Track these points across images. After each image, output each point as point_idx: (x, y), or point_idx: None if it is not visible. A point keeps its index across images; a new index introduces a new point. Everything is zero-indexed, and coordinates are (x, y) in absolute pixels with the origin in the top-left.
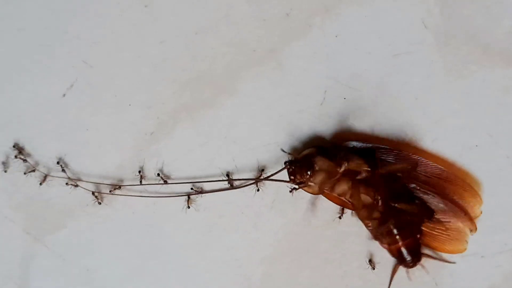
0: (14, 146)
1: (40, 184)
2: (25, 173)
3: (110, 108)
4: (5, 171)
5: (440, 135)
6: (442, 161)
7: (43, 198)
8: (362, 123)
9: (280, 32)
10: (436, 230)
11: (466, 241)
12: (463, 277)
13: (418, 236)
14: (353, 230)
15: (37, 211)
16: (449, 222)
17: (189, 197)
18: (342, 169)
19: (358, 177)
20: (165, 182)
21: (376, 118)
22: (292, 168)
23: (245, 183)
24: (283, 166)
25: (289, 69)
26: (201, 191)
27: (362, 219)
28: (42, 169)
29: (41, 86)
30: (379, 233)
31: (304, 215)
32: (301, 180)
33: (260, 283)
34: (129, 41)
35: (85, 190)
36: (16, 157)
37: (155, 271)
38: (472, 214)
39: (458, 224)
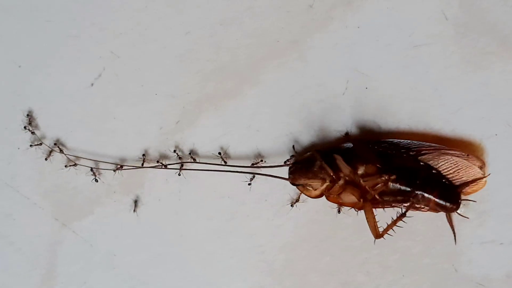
0: (30, 130)
1: (66, 166)
2: (66, 166)
3: (136, 98)
4: (46, 159)
5: (459, 125)
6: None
7: (71, 185)
8: (382, 114)
9: (302, 23)
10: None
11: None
12: (481, 264)
13: (443, 180)
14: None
15: (65, 198)
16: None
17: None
18: (341, 181)
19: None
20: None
21: (396, 109)
22: (293, 168)
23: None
24: (285, 162)
25: (311, 60)
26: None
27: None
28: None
29: (69, 76)
30: (412, 207)
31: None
32: (299, 182)
33: (282, 269)
34: (154, 32)
35: (112, 175)
36: (34, 144)
37: (178, 257)
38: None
39: (469, 168)
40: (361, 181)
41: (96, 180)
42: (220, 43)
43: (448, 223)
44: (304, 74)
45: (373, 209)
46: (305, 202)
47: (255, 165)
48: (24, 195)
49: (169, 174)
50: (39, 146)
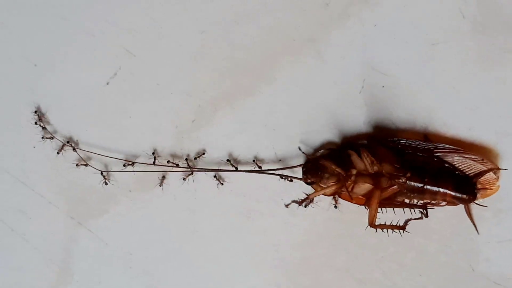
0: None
1: (77, 165)
2: (77, 165)
3: (152, 96)
4: (58, 153)
5: (476, 123)
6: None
7: (86, 183)
8: (398, 112)
9: (319, 21)
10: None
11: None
12: (498, 263)
13: (456, 172)
14: (390, 216)
15: (80, 196)
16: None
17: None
18: (353, 176)
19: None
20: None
21: (412, 107)
22: (305, 167)
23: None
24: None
25: (328, 58)
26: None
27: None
28: (82, 155)
29: (85, 75)
30: (430, 204)
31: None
32: (312, 180)
33: (297, 267)
34: (170, 30)
35: (126, 174)
36: (46, 137)
37: (194, 255)
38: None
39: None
40: (383, 171)
41: (106, 183)
42: (236, 41)
43: (467, 216)
44: (321, 72)
45: (383, 208)
46: (320, 200)
47: (264, 171)
48: (38, 193)
49: (185, 172)
50: (53, 143)
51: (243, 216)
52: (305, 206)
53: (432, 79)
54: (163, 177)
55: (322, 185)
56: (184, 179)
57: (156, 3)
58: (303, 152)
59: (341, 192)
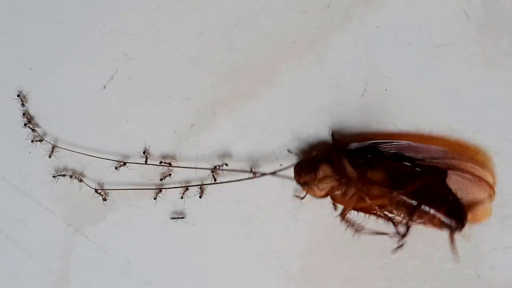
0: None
1: (71, 177)
2: (71, 177)
3: (149, 100)
4: (49, 157)
5: (481, 127)
6: (444, 142)
7: (83, 190)
8: (401, 116)
9: (319, 23)
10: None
11: (489, 205)
12: (504, 269)
13: (450, 198)
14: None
15: (77, 203)
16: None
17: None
18: (345, 181)
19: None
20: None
21: (416, 111)
22: (298, 168)
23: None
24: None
25: (329, 61)
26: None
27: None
28: (81, 161)
29: (82, 79)
30: (416, 220)
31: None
32: (305, 181)
33: (299, 275)
34: (168, 33)
35: (126, 181)
36: (35, 140)
37: (194, 262)
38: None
39: (478, 193)
40: (367, 197)
41: (104, 199)
42: (235, 44)
43: (449, 241)
44: (322, 75)
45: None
46: (323, 206)
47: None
48: (35, 200)
49: (186, 177)
50: (54, 152)
51: (244, 223)
52: (302, 199)
53: (436, 82)
54: (160, 190)
55: (314, 187)
56: (181, 197)
57: (154, 6)
58: (295, 154)
59: (333, 195)
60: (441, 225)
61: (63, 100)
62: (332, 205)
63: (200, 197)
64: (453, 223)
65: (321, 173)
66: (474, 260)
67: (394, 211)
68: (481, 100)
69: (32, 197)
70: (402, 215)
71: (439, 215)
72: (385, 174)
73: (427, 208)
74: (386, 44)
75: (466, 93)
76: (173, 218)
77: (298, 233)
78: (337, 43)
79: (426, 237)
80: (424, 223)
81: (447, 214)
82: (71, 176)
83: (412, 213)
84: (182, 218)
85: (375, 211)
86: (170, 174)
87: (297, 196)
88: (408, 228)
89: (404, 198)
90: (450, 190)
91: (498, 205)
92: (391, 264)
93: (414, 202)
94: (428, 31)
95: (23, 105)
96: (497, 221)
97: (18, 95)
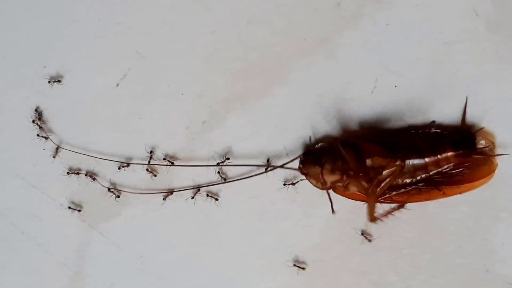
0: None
1: (91, 178)
2: (86, 175)
3: (162, 98)
4: (53, 157)
5: (491, 123)
6: None
7: (98, 186)
8: (412, 113)
9: (331, 21)
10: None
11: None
12: None
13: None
14: (404, 218)
15: (92, 199)
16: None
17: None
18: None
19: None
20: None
21: (426, 108)
22: (303, 158)
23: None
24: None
25: (340, 58)
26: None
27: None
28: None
29: (95, 77)
30: (434, 172)
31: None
32: (308, 171)
33: (311, 270)
34: (181, 31)
35: (140, 177)
36: (41, 136)
37: (207, 258)
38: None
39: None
40: (378, 176)
41: (118, 196)
42: (248, 42)
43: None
44: (333, 73)
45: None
46: (335, 201)
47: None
48: (50, 196)
49: (196, 174)
50: (58, 152)
51: (257, 218)
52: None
53: (446, 79)
54: (171, 193)
55: (321, 177)
56: (192, 197)
57: (167, 4)
58: (310, 143)
59: (336, 187)
60: (459, 158)
61: (77, 98)
62: (328, 201)
63: (217, 199)
64: (464, 150)
65: (327, 165)
66: (484, 254)
67: (410, 179)
68: (491, 96)
69: (46, 194)
70: (419, 177)
71: (450, 153)
72: (379, 146)
73: (435, 157)
74: (397, 42)
75: (476, 89)
76: (70, 208)
77: (311, 228)
78: (348, 40)
79: (437, 232)
80: (445, 169)
81: (454, 147)
82: (85, 175)
83: (425, 167)
84: (79, 211)
85: (399, 190)
86: (172, 192)
87: (332, 209)
88: (435, 183)
89: (410, 161)
90: (443, 128)
91: (508, 200)
92: (402, 258)
93: (421, 160)
94: (439, 28)
95: (39, 119)
96: (507, 215)
97: (36, 110)
